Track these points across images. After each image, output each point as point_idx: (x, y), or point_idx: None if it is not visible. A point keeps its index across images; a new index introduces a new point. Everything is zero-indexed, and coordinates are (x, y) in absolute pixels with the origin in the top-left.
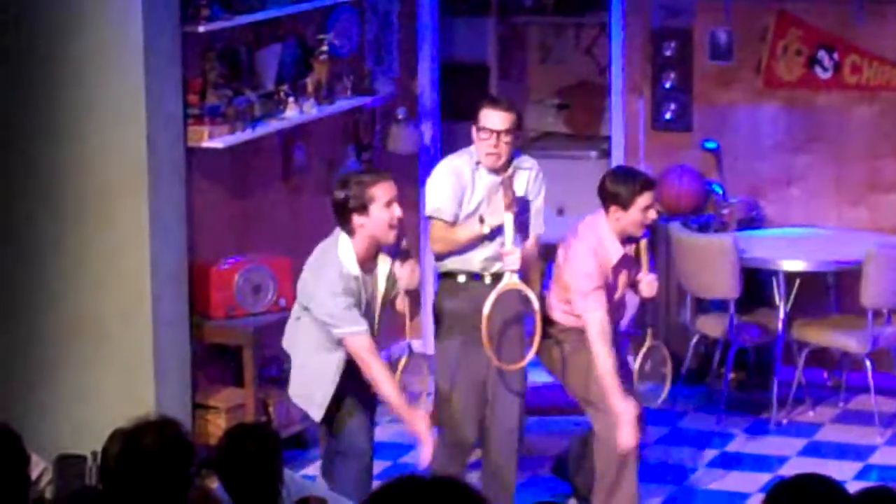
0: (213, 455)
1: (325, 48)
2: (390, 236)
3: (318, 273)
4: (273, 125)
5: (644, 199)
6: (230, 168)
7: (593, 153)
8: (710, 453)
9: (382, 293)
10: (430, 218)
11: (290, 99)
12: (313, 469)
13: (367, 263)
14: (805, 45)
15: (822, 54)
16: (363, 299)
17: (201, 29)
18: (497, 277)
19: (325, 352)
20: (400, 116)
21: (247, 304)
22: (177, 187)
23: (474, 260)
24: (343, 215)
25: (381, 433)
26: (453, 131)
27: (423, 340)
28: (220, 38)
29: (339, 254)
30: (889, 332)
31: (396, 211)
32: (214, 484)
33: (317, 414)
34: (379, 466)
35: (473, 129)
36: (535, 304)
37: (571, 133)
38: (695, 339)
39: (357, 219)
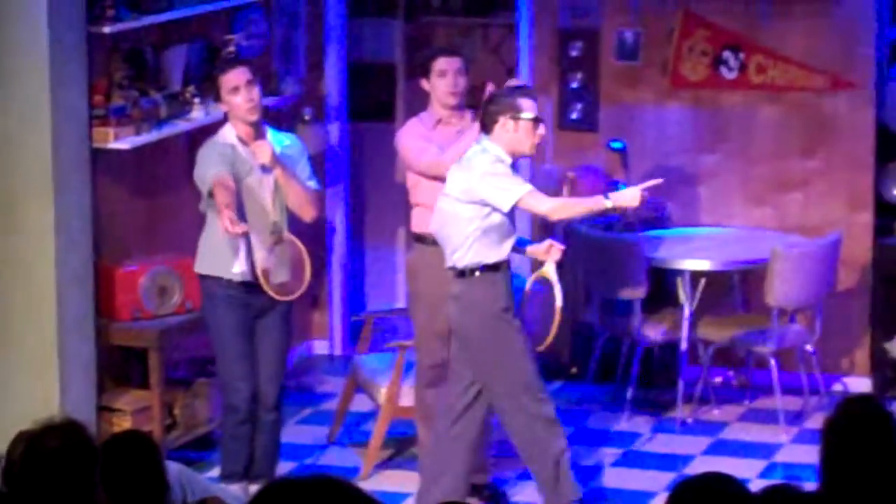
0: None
1: (231, 49)
2: (248, 116)
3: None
4: (179, 126)
5: (439, 63)
6: (136, 169)
7: None
8: (616, 452)
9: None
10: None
11: (197, 100)
12: (217, 472)
13: (248, 141)
14: (711, 45)
15: (727, 54)
16: (239, 169)
17: (107, 29)
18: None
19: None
20: (307, 117)
21: (152, 306)
22: (82, 189)
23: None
24: (217, 100)
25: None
26: (360, 132)
27: (329, 342)
28: (126, 38)
29: (220, 131)
30: (794, 330)
31: (243, 94)
32: None
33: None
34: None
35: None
36: (559, 301)
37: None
38: (601, 339)
39: (222, 105)
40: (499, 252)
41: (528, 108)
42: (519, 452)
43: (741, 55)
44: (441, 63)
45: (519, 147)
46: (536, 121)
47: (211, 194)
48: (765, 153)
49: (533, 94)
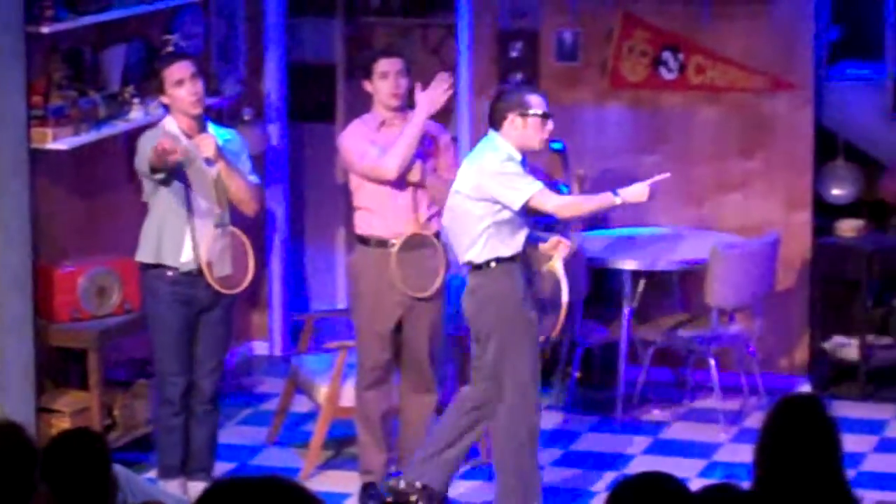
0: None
1: (170, 49)
2: (192, 109)
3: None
4: (119, 126)
5: (380, 64)
6: (75, 170)
7: None
8: (556, 452)
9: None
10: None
11: (136, 100)
12: (155, 473)
13: (191, 134)
14: (650, 45)
15: (666, 55)
16: (181, 161)
17: (45, 30)
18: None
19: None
20: (246, 117)
21: (91, 306)
22: (20, 189)
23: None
24: (160, 94)
25: (227, 437)
26: (300, 132)
27: (269, 342)
28: (64, 38)
29: (160, 123)
30: (733, 330)
31: (188, 87)
32: None
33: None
34: (223, 468)
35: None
36: (566, 297)
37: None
38: (541, 339)
39: (164, 98)
40: (512, 245)
41: (536, 105)
42: (494, 454)
43: (680, 56)
44: (382, 65)
45: (528, 143)
46: (545, 117)
47: (154, 170)
48: (704, 153)
49: (540, 91)
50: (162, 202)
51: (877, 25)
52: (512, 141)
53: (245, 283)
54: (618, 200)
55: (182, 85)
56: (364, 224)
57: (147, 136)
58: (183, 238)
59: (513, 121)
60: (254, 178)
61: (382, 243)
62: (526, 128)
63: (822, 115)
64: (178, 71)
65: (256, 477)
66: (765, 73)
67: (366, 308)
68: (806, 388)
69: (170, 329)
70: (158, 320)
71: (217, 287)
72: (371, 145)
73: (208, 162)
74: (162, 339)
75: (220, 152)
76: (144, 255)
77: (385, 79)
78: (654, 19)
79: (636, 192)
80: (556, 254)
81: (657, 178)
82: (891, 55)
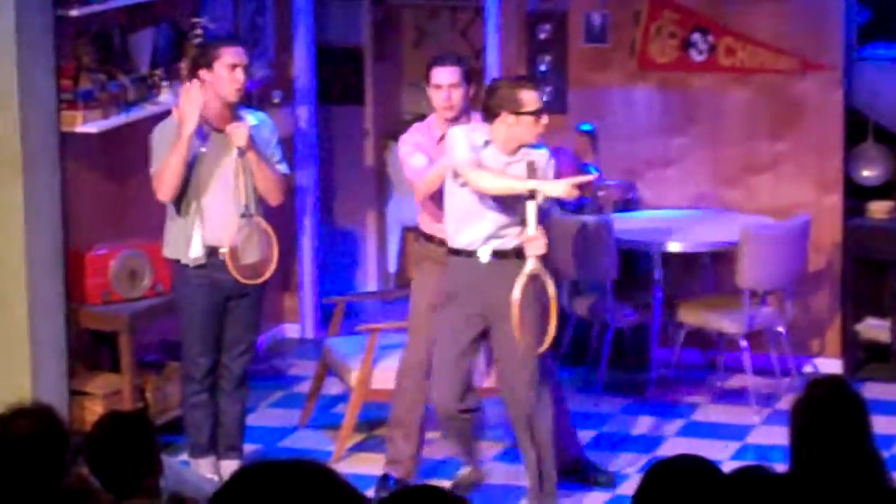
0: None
1: (199, 32)
2: (232, 96)
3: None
4: (148, 109)
5: (434, 75)
6: (105, 153)
7: None
8: (588, 434)
9: (237, 160)
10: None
11: (164, 83)
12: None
13: (217, 121)
14: (679, 27)
15: (696, 37)
16: (205, 151)
17: (74, 13)
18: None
19: None
20: (275, 100)
21: (123, 289)
22: (51, 173)
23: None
24: (192, 70)
25: (259, 419)
26: (329, 114)
27: (301, 325)
28: (93, 21)
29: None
30: (765, 312)
31: (237, 74)
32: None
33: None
34: (254, 450)
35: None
36: (552, 291)
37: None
38: (572, 322)
39: (206, 73)
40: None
41: (528, 102)
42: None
43: (710, 37)
44: (436, 75)
45: (521, 139)
46: (539, 112)
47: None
48: (734, 135)
49: (535, 86)
50: (192, 188)
51: None
52: (502, 135)
53: (268, 274)
54: (533, 185)
55: (233, 70)
56: (425, 222)
57: (163, 127)
58: (191, 233)
59: (505, 118)
60: (282, 168)
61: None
62: (518, 125)
63: (851, 97)
64: (236, 55)
65: (286, 459)
66: (794, 54)
67: (426, 297)
68: (837, 369)
69: (195, 308)
70: (184, 300)
71: (239, 278)
72: (416, 151)
73: (240, 152)
74: (187, 319)
75: (252, 142)
76: (167, 250)
77: (439, 90)
78: (683, 1)
79: (555, 187)
80: (528, 253)
81: (580, 179)
82: None
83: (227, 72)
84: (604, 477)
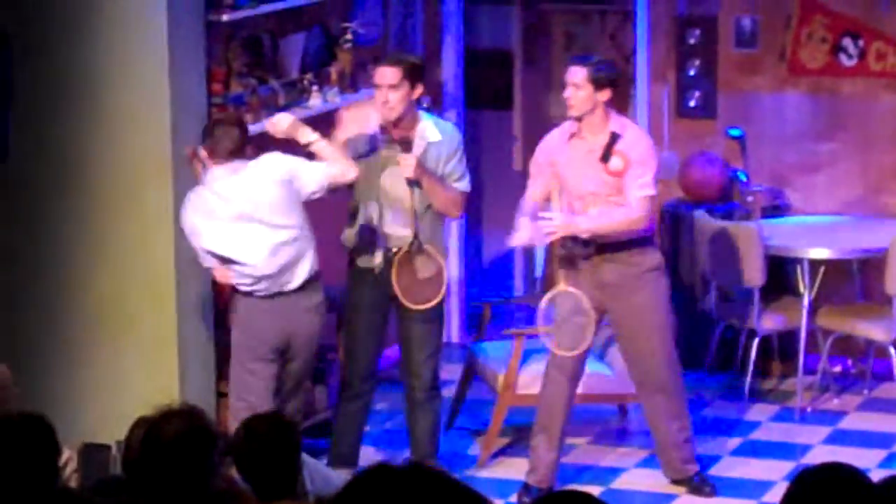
0: (231, 444)
1: (349, 36)
2: (381, 115)
3: None
4: (297, 114)
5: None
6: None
7: None
8: (735, 441)
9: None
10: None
11: (314, 88)
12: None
13: (397, 131)
14: (830, 32)
15: (846, 41)
16: (371, 159)
17: (225, 18)
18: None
19: None
20: (424, 104)
21: None
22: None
23: None
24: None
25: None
26: (477, 119)
27: (447, 329)
28: (243, 26)
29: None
30: None
31: (381, 94)
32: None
33: None
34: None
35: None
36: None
37: None
38: (719, 328)
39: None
40: None
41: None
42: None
43: (860, 42)
44: (375, 74)
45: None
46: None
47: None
48: (884, 141)
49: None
50: (361, 194)
51: None
52: None
53: (433, 302)
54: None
55: (379, 89)
56: None
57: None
58: (374, 245)
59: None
60: (462, 185)
61: None
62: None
63: None
64: (378, 75)
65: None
66: None
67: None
68: None
69: (358, 308)
70: (351, 299)
71: (403, 300)
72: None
73: (409, 182)
74: (352, 318)
75: (423, 171)
76: (345, 238)
77: (378, 90)
78: (834, 5)
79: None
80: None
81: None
82: None
83: (376, 92)
84: None
